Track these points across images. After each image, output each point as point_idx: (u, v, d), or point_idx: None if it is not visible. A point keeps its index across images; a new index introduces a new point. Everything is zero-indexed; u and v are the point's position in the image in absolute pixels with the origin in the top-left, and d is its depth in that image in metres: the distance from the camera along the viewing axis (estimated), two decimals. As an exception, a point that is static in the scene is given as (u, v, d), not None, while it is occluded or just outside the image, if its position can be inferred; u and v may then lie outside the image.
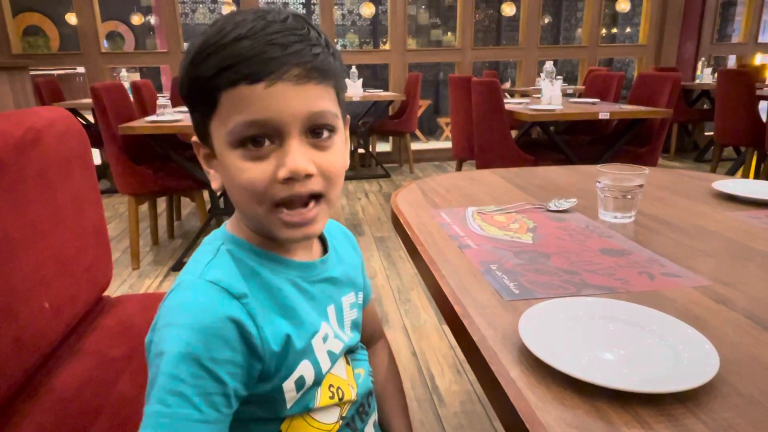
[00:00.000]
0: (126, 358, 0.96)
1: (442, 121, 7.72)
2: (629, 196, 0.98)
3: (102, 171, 4.39)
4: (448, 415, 1.62)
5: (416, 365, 1.89)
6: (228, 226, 0.63)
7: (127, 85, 3.79)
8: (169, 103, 2.97)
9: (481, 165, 3.30)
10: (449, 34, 9.83)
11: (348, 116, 0.63)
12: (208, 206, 3.16)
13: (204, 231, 2.97)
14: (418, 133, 6.98)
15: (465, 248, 0.86)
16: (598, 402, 0.48)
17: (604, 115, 2.88)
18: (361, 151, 5.28)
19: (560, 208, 1.06)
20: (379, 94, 5.06)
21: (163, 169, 2.93)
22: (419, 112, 5.86)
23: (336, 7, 9.06)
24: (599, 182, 1.00)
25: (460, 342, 0.64)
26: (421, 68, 5.79)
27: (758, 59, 6.28)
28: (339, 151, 0.57)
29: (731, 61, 7.26)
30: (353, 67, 4.94)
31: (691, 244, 0.87)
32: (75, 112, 3.68)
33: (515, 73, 6.19)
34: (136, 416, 0.49)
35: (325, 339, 0.62)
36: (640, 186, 0.98)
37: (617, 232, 0.93)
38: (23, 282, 0.80)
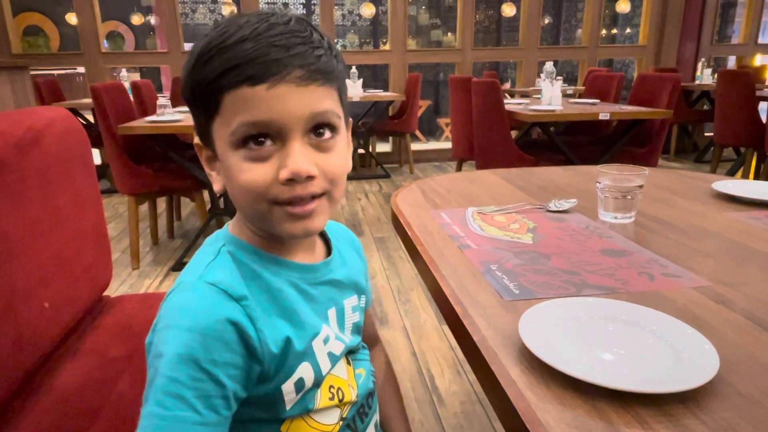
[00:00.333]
0: (126, 358, 0.96)
1: (442, 121, 7.72)
2: (629, 197, 0.98)
3: (102, 171, 4.39)
4: (448, 415, 1.62)
5: (416, 365, 1.89)
6: (230, 227, 0.63)
7: (127, 85, 3.79)
8: (169, 103, 2.97)
9: (481, 165, 3.30)
10: (449, 34, 9.83)
11: (350, 120, 0.63)
12: (208, 206, 3.16)
13: (204, 231, 2.97)
14: (418, 133, 6.98)
15: (465, 248, 0.86)
16: (598, 402, 0.48)
17: (604, 116, 2.88)
18: (361, 151, 5.28)
19: (560, 209, 1.06)
20: (379, 94, 5.06)
21: (163, 169, 2.94)
22: (419, 113, 5.86)
23: (336, 7, 9.07)
24: (599, 183, 1.00)
25: (460, 342, 0.64)
26: (421, 69, 5.80)
27: (758, 60, 6.28)
28: (341, 153, 0.57)
29: (731, 62, 7.27)
30: (353, 68, 4.94)
31: (691, 245, 0.87)
32: (75, 112, 3.68)
33: (515, 74, 6.19)
34: (135, 416, 0.49)
35: (326, 341, 0.61)
36: (640, 186, 0.98)
37: (617, 233, 0.93)
38: (23, 282, 0.80)
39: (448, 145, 4.69)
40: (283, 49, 0.51)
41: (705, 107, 5.70)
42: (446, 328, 2.09)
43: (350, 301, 0.68)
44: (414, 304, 2.38)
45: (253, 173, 0.53)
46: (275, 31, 0.52)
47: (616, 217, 0.99)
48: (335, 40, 8.19)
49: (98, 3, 4.99)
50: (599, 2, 5.70)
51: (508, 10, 6.57)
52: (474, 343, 0.58)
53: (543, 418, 0.46)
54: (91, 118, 4.51)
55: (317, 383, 0.60)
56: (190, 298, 0.53)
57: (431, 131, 8.20)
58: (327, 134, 0.55)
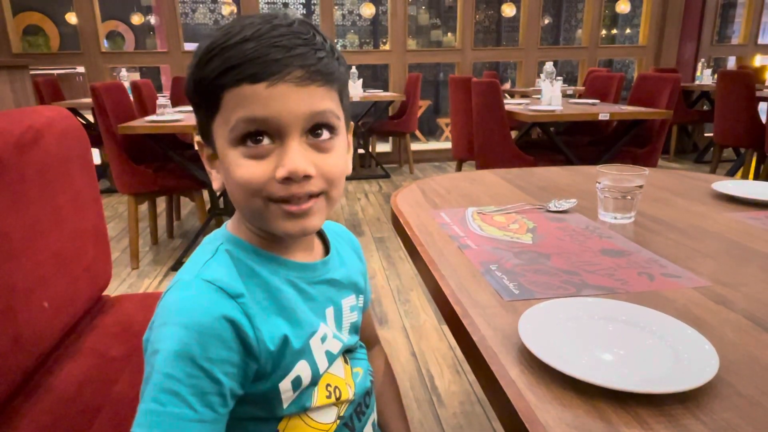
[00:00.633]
0: (125, 358, 0.96)
1: (442, 121, 7.72)
2: (629, 197, 0.98)
3: (102, 171, 4.39)
4: (447, 415, 1.62)
5: (415, 366, 1.89)
6: (228, 226, 0.63)
7: (127, 84, 3.79)
8: (168, 102, 2.97)
9: (481, 165, 3.30)
10: (449, 34, 9.83)
11: (351, 123, 0.63)
12: (208, 206, 3.16)
13: (203, 231, 2.97)
14: (417, 133, 6.98)
15: (465, 248, 0.86)
16: (598, 402, 0.48)
17: (603, 116, 2.88)
18: (361, 151, 5.28)
19: (560, 209, 1.06)
20: (379, 94, 5.06)
21: (162, 169, 2.93)
22: (419, 113, 5.86)
23: (336, 7, 9.07)
24: (599, 183, 1.00)
25: (459, 342, 0.64)
26: (421, 69, 5.80)
27: (758, 60, 6.28)
28: (340, 154, 0.58)
29: (731, 63, 7.27)
30: (353, 68, 4.93)
31: (691, 245, 0.87)
32: (75, 111, 3.68)
33: (515, 74, 6.19)
34: (134, 415, 0.49)
35: (323, 339, 0.61)
36: (640, 187, 0.98)
37: (617, 233, 0.93)
38: (23, 281, 0.80)
39: (448, 145, 4.68)
40: (284, 49, 0.52)
41: (705, 108, 5.70)
42: (446, 328, 2.09)
43: (348, 301, 0.68)
44: (414, 304, 2.38)
45: (250, 170, 0.54)
46: (277, 33, 0.53)
47: (615, 218, 0.99)
48: (335, 40, 8.19)
49: (98, 3, 4.98)
50: (599, 2, 5.70)
51: (508, 10, 6.57)
52: (473, 343, 0.58)
53: (542, 418, 0.46)
54: (90, 118, 4.51)
55: (314, 381, 0.60)
56: (187, 296, 0.54)
57: (431, 131, 8.20)
58: (325, 134, 0.56)
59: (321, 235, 0.69)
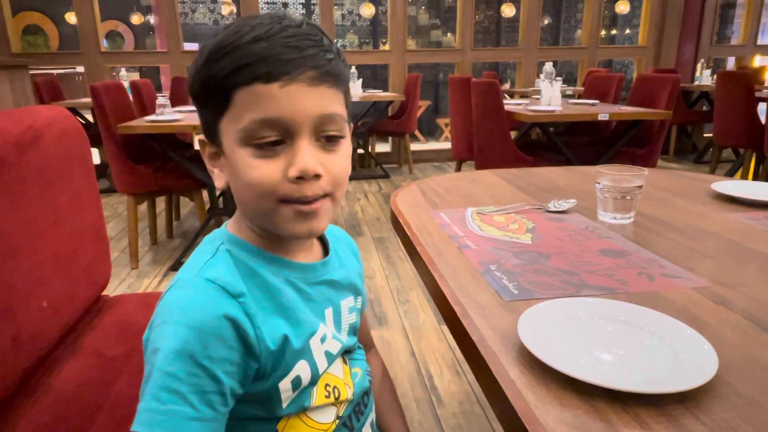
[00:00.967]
0: (124, 358, 0.96)
1: (442, 121, 7.72)
2: (628, 197, 0.98)
3: (101, 170, 4.39)
4: (447, 415, 1.62)
5: (415, 366, 1.89)
6: (228, 226, 0.63)
7: (126, 84, 3.79)
8: (168, 102, 2.96)
9: (481, 166, 3.30)
10: (449, 34, 9.83)
11: (351, 123, 0.63)
12: (207, 206, 3.16)
13: (203, 231, 2.97)
14: (417, 133, 6.98)
15: (464, 249, 0.86)
16: (598, 402, 0.48)
17: (603, 117, 2.88)
18: (360, 151, 5.28)
19: (559, 209, 1.06)
20: (378, 94, 5.06)
21: (162, 169, 2.93)
22: (419, 113, 5.86)
23: (336, 7, 9.06)
24: (598, 183, 1.00)
25: (459, 342, 0.64)
26: (420, 69, 5.80)
27: (757, 61, 6.28)
28: (345, 155, 0.59)
29: (730, 63, 7.27)
30: (353, 68, 4.94)
31: (691, 245, 0.87)
32: (74, 111, 3.68)
33: (515, 74, 6.19)
34: (134, 415, 0.49)
35: (323, 339, 0.62)
36: (640, 187, 0.98)
37: (616, 233, 0.93)
38: (22, 281, 0.80)
39: (448, 145, 4.69)
40: (297, 50, 0.53)
41: (704, 108, 5.70)
42: (445, 328, 2.09)
43: (347, 302, 0.68)
44: (413, 304, 2.38)
45: (262, 170, 0.54)
46: (288, 33, 0.53)
47: (615, 218, 0.99)
48: (335, 40, 8.19)
49: (98, 2, 4.98)
50: (599, 3, 5.70)
51: (508, 11, 6.58)
52: (473, 343, 0.58)
53: (542, 418, 0.46)
54: (90, 118, 4.51)
55: (313, 381, 0.61)
56: (187, 295, 0.54)
57: (431, 131, 8.20)
58: (333, 135, 0.56)
59: (320, 236, 0.69)
